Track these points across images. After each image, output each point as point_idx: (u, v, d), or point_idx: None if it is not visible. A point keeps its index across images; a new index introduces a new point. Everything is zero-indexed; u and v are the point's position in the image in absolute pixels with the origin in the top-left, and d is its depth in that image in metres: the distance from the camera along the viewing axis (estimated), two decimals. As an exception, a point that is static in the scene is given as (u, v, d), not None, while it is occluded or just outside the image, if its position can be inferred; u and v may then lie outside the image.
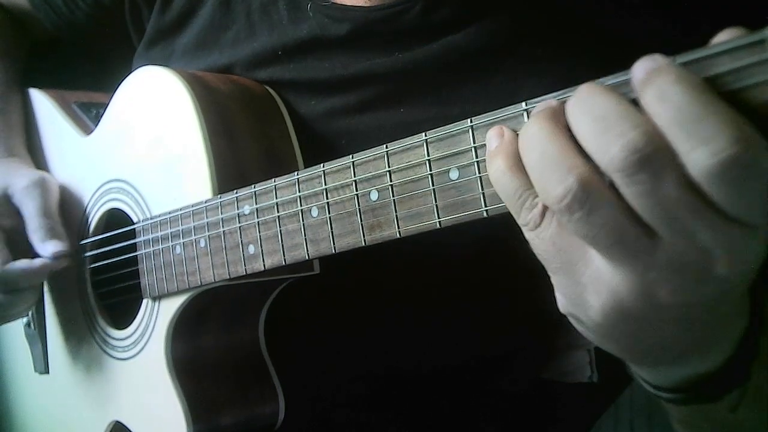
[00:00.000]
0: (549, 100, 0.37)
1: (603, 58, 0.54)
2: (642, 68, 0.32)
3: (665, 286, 0.33)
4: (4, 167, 0.78)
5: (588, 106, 0.33)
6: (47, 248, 0.72)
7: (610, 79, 0.34)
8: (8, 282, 0.72)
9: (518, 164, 0.37)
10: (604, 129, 0.31)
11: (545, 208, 0.36)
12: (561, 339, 0.82)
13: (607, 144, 0.31)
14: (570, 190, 0.32)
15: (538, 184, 0.35)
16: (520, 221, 0.38)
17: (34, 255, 0.73)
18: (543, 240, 0.37)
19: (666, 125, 0.30)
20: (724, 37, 0.31)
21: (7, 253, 0.72)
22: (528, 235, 0.38)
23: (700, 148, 0.29)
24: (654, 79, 0.31)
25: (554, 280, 0.38)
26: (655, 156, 0.30)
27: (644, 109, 0.31)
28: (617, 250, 0.33)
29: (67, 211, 0.81)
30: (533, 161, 0.35)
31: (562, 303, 0.39)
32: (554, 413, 0.84)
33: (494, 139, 0.39)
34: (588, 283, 0.36)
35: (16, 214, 0.75)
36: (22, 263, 0.71)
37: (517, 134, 0.38)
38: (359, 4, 0.65)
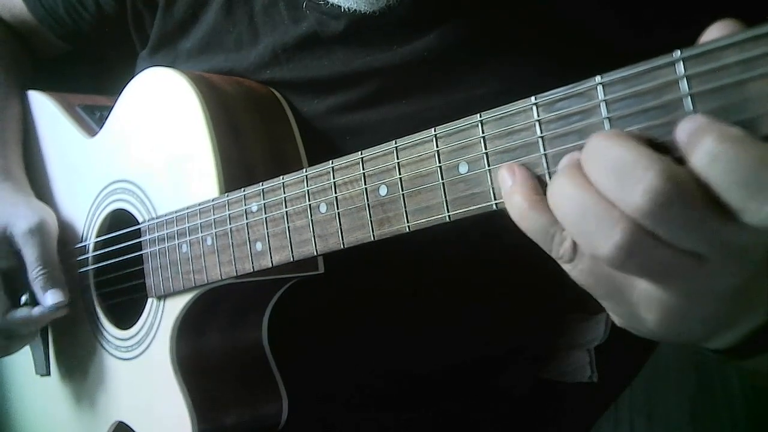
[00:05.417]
0: (573, 153, 0.36)
1: (595, 47, 0.55)
2: (685, 131, 0.31)
3: (716, 285, 0.34)
4: (2, 199, 0.79)
5: (599, 159, 0.33)
6: (47, 299, 0.74)
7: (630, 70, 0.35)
8: (8, 330, 0.75)
9: (539, 201, 0.36)
10: (619, 179, 0.31)
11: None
12: (561, 339, 0.82)
13: (628, 194, 0.31)
14: (619, 247, 0.32)
15: (580, 240, 0.34)
16: (552, 255, 0.37)
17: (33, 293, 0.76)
18: (582, 271, 0.37)
19: (723, 188, 0.29)
20: (716, 30, 0.32)
21: (6, 301, 0.75)
22: (565, 267, 0.37)
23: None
24: (700, 140, 0.30)
25: (603, 304, 0.38)
26: (679, 191, 0.30)
27: (695, 173, 0.30)
28: (665, 277, 0.33)
29: (69, 214, 0.81)
30: (571, 219, 0.34)
31: (617, 321, 0.39)
32: (554, 413, 0.84)
33: (507, 178, 0.39)
34: (639, 303, 0.36)
35: (17, 253, 0.77)
36: (22, 313, 0.74)
37: (528, 168, 0.38)
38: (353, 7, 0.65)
